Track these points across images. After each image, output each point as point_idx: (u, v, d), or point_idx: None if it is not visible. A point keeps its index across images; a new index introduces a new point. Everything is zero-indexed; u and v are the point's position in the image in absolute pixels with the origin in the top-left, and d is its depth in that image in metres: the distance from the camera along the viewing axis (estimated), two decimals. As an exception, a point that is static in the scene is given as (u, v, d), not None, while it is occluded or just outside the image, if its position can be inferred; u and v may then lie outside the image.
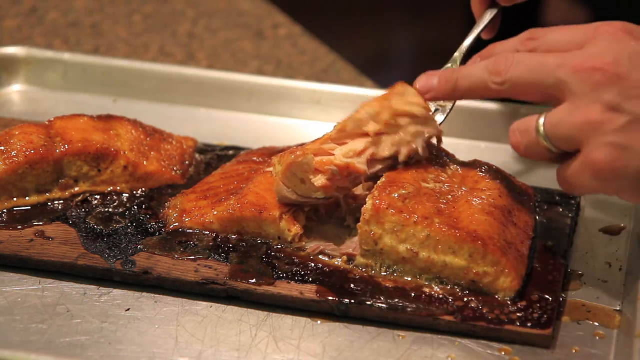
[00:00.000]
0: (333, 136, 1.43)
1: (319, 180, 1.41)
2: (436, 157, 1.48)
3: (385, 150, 1.43)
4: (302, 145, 1.51)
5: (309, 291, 1.37)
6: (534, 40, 1.34)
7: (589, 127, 1.26)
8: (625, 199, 1.31)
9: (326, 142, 1.43)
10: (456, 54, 1.55)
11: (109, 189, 1.57)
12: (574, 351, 1.31)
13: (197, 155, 1.66)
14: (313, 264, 1.41)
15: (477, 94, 1.37)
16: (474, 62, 1.42)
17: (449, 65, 1.55)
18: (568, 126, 1.27)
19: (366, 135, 1.43)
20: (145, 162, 1.57)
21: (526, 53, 1.33)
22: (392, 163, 1.44)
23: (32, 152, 1.51)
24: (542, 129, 1.30)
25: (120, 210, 1.53)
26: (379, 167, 1.44)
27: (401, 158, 1.43)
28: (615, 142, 1.25)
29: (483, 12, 1.59)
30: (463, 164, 1.50)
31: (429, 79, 1.42)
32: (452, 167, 1.48)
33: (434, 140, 1.47)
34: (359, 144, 1.43)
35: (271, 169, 1.49)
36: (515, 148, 1.33)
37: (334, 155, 1.42)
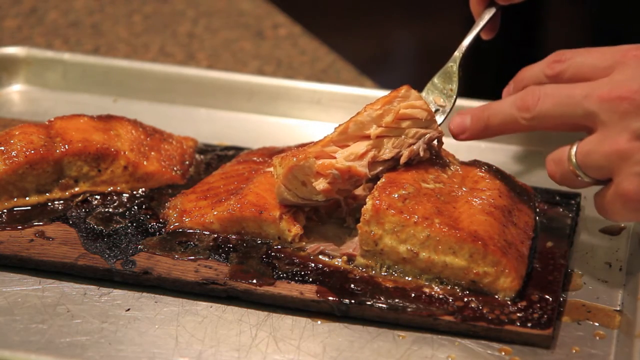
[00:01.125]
0: (334, 138, 1.43)
1: (320, 184, 1.41)
2: (436, 157, 1.48)
3: (387, 153, 1.43)
4: (302, 145, 1.51)
5: (309, 291, 1.37)
6: (561, 63, 1.34)
7: (618, 157, 1.27)
8: None
9: (327, 145, 1.43)
10: (456, 53, 1.56)
11: (109, 189, 1.57)
12: (574, 351, 1.31)
13: (197, 155, 1.66)
14: (313, 264, 1.41)
15: (509, 130, 1.40)
16: (507, 90, 1.43)
17: (449, 64, 1.55)
18: (598, 156, 1.28)
19: (367, 137, 1.43)
20: (145, 162, 1.57)
21: (553, 85, 1.33)
22: (393, 164, 1.44)
23: (32, 152, 1.51)
24: (574, 159, 1.31)
25: (120, 210, 1.53)
26: (379, 168, 1.44)
27: (402, 160, 1.43)
28: None
29: (482, 11, 1.59)
30: (463, 164, 1.50)
31: (462, 120, 1.44)
32: (452, 167, 1.48)
33: (435, 142, 1.47)
34: (360, 146, 1.43)
35: (271, 169, 1.49)
36: (552, 177, 1.35)
37: (335, 158, 1.42)
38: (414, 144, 1.44)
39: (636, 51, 1.31)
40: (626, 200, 1.28)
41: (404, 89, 1.44)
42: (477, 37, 1.59)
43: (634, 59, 1.30)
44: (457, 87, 1.56)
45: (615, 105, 1.27)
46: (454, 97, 1.55)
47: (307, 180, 1.41)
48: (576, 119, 1.30)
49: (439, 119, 1.51)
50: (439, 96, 1.54)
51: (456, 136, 1.46)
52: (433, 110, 1.49)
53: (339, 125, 1.45)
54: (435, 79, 1.56)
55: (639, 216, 1.30)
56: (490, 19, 1.59)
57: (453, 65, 1.55)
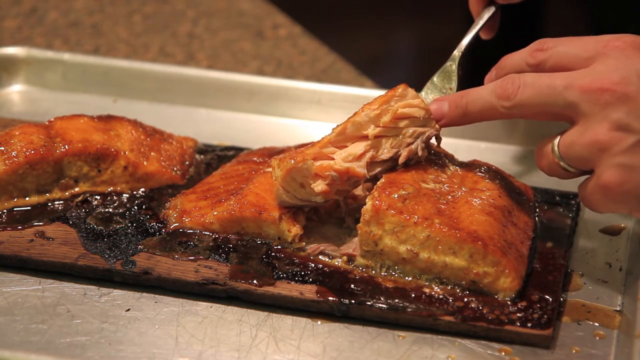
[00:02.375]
0: (332, 139, 1.43)
1: (319, 186, 1.41)
2: (435, 157, 1.48)
3: (385, 153, 1.43)
4: (301, 146, 1.51)
5: (309, 291, 1.37)
6: (543, 52, 1.34)
7: (598, 148, 1.27)
8: (639, 217, 1.32)
9: (325, 146, 1.43)
10: (455, 52, 1.56)
11: (109, 189, 1.57)
12: (574, 351, 1.31)
13: (197, 155, 1.66)
14: (313, 264, 1.41)
15: (487, 117, 1.38)
16: (489, 77, 1.42)
17: (448, 63, 1.55)
18: (579, 147, 1.28)
19: (365, 137, 1.43)
20: (145, 162, 1.57)
21: (533, 74, 1.33)
22: (391, 164, 1.44)
23: (32, 152, 1.51)
24: (557, 150, 1.31)
25: (120, 210, 1.53)
26: (378, 169, 1.44)
27: (401, 160, 1.43)
28: (624, 162, 1.26)
29: (481, 11, 1.59)
30: (462, 164, 1.50)
31: (440, 106, 1.42)
32: (451, 168, 1.48)
33: (433, 140, 1.47)
34: (358, 147, 1.43)
35: (270, 169, 1.49)
36: (540, 168, 1.36)
37: (333, 159, 1.42)
38: (412, 143, 1.44)
39: (617, 42, 1.31)
40: (606, 191, 1.28)
41: (400, 88, 1.44)
42: (477, 37, 1.59)
43: (615, 49, 1.30)
44: (457, 86, 1.56)
45: (596, 97, 1.26)
46: None
47: (305, 182, 1.41)
48: (557, 108, 1.30)
49: None
50: (439, 95, 1.54)
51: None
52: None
53: (337, 125, 1.44)
54: (435, 78, 1.56)
55: (620, 207, 1.30)
56: (489, 18, 1.59)
57: (452, 64, 1.55)
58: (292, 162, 1.40)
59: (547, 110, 1.31)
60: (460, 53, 1.56)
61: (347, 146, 1.43)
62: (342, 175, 1.41)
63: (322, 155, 1.42)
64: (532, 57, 1.35)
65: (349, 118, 1.44)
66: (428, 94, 1.55)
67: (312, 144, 1.45)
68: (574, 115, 1.29)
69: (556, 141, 1.32)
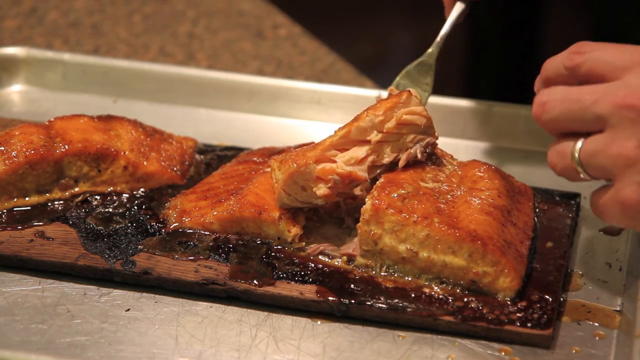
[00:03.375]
0: (335, 142, 1.43)
1: (321, 189, 1.41)
2: (435, 157, 1.48)
3: (385, 157, 1.44)
4: (301, 146, 1.51)
5: (309, 291, 1.37)
6: (580, 55, 1.31)
7: (623, 162, 1.25)
8: None
9: (328, 149, 1.43)
10: (432, 49, 1.58)
11: (109, 189, 1.57)
12: (574, 351, 1.31)
13: (197, 156, 1.66)
14: (313, 264, 1.41)
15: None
16: (536, 82, 1.39)
17: (425, 58, 1.58)
18: (603, 157, 1.26)
19: (367, 142, 1.43)
20: (145, 162, 1.57)
21: (563, 89, 1.30)
22: (391, 167, 1.45)
23: (32, 152, 1.51)
24: (577, 155, 1.29)
25: (120, 210, 1.53)
26: (377, 171, 1.44)
27: (400, 163, 1.44)
28: None
29: (453, 3, 1.60)
30: (462, 164, 1.51)
31: None
32: (450, 167, 1.49)
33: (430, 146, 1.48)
34: (360, 151, 1.43)
35: (269, 169, 1.49)
36: (552, 168, 1.33)
37: (335, 162, 1.42)
38: (411, 148, 1.44)
39: None
40: (625, 207, 1.26)
41: (405, 95, 1.44)
42: (453, 27, 1.61)
43: None
44: (432, 81, 1.57)
45: (627, 112, 1.24)
46: (429, 91, 1.57)
47: (307, 185, 1.41)
48: (585, 122, 1.28)
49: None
50: (415, 88, 1.55)
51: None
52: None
53: (340, 128, 1.45)
54: (411, 70, 1.57)
55: (634, 224, 1.29)
56: (462, 11, 1.60)
57: (430, 59, 1.57)
58: (295, 165, 1.40)
59: (577, 126, 1.29)
60: (438, 49, 1.57)
61: (348, 149, 1.44)
62: (344, 179, 1.42)
63: (324, 157, 1.42)
64: (569, 60, 1.32)
65: (352, 121, 1.44)
66: (400, 83, 1.56)
67: (313, 145, 1.45)
68: (602, 126, 1.26)
69: (577, 146, 1.29)
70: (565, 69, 1.32)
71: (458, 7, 1.61)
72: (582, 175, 1.30)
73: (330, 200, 1.43)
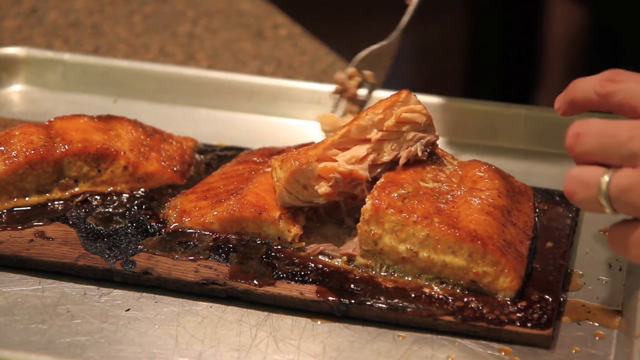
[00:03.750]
0: (336, 141, 1.43)
1: (322, 188, 1.41)
2: (435, 156, 1.48)
3: (386, 155, 1.44)
4: (301, 146, 1.51)
5: (309, 291, 1.37)
6: (614, 84, 1.27)
7: None
8: None
9: (329, 148, 1.43)
10: (394, 34, 1.61)
11: (109, 189, 1.57)
12: (574, 351, 1.31)
13: (197, 156, 1.66)
14: (313, 264, 1.42)
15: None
16: (559, 99, 1.35)
17: (387, 43, 1.59)
18: (636, 195, 1.21)
19: (368, 141, 1.43)
20: (145, 162, 1.57)
21: (599, 121, 1.26)
22: (391, 166, 1.45)
23: (32, 152, 1.51)
24: (604, 188, 1.23)
25: (120, 210, 1.53)
26: (378, 170, 1.44)
27: (401, 161, 1.44)
28: None
29: None
30: (462, 164, 1.51)
31: None
32: (450, 167, 1.49)
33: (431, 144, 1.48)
34: (360, 149, 1.43)
35: (269, 169, 1.50)
36: (568, 196, 1.27)
37: (336, 161, 1.42)
38: (411, 146, 1.44)
39: None
40: None
41: (404, 94, 1.44)
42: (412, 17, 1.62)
43: None
44: (390, 65, 1.59)
45: None
46: (384, 74, 1.59)
47: (308, 184, 1.41)
48: (618, 158, 1.23)
49: (363, 93, 1.53)
50: (372, 70, 1.56)
51: None
52: (362, 86, 1.51)
53: (340, 127, 1.45)
54: (373, 52, 1.58)
55: None
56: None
57: (391, 44, 1.58)
58: (296, 163, 1.40)
59: (609, 159, 1.24)
60: (399, 34, 1.61)
61: (349, 148, 1.44)
62: (345, 178, 1.42)
63: (325, 156, 1.42)
64: (601, 87, 1.28)
65: (352, 121, 1.44)
66: (359, 64, 1.57)
67: (314, 145, 1.45)
68: (635, 163, 1.22)
69: (605, 178, 1.23)
70: (597, 95, 1.28)
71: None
72: (605, 209, 1.25)
73: (332, 199, 1.43)
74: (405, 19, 1.61)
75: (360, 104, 1.61)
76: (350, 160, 1.43)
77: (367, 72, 1.55)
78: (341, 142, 1.44)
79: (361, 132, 1.44)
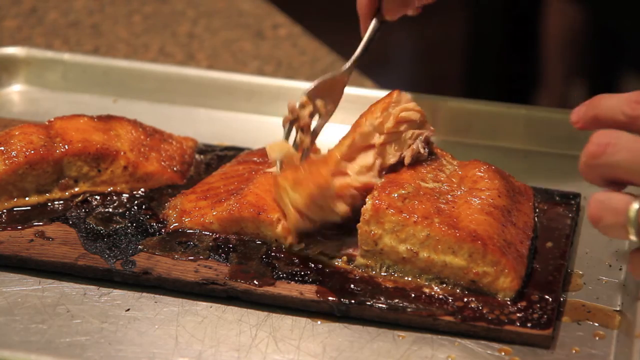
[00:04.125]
0: (344, 153, 1.43)
1: (341, 207, 1.41)
2: (435, 157, 1.48)
3: (391, 158, 1.45)
4: (305, 156, 1.49)
5: (309, 291, 1.37)
6: None
7: None
8: None
9: (339, 163, 1.42)
10: (347, 65, 1.56)
11: (109, 189, 1.57)
12: (574, 351, 1.31)
13: (197, 156, 1.66)
14: (313, 264, 1.41)
15: (584, 175, 1.27)
16: (577, 111, 1.30)
17: (337, 73, 1.55)
18: None
19: (371, 147, 1.44)
20: (145, 163, 1.57)
21: (629, 136, 1.22)
22: (394, 166, 1.46)
23: (32, 152, 1.51)
24: (633, 215, 1.20)
25: (120, 210, 1.53)
26: (384, 173, 1.45)
27: (406, 161, 1.45)
28: None
29: (369, 24, 1.59)
30: (462, 164, 1.51)
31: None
32: (450, 167, 1.49)
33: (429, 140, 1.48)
34: (367, 157, 1.44)
35: (271, 170, 1.49)
36: (593, 221, 1.23)
37: (348, 174, 1.42)
38: (412, 144, 1.45)
39: None
40: None
41: (395, 94, 1.45)
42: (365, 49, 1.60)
43: None
44: (340, 98, 1.56)
45: None
46: (335, 106, 1.55)
47: (326, 204, 1.41)
48: None
49: (315, 123, 1.51)
50: (323, 102, 1.53)
51: None
52: (313, 116, 1.50)
53: (343, 138, 1.44)
54: (325, 81, 1.55)
55: None
56: (377, 31, 1.59)
57: (344, 75, 1.55)
58: (315, 186, 1.38)
59: (636, 178, 1.21)
60: (352, 64, 1.57)
61: (355, 158, 1.44)
62: (361, 191, 1.42)
63: (337, 172, 1.42)
64: (629, 108, 1.24)
65: (353, 130, 1.44)
66: (310, 94, 1.53)
67: (323, 159, 1.42)
68: None
69: (635, 206, 1.20)
70: (624, 116, 1.25)
71: (374, 24, 1.60)
72: (632, 237, 1.21)
73: (348, 215, 1.42)
74: (358, 51, 1.59)
75: (313, 134, 1.57)
76: (361, 171, 1.43)
77: (319, 102, 1.52)
78: (348, 153, 1.44)
79: (364, 139, 1.44)
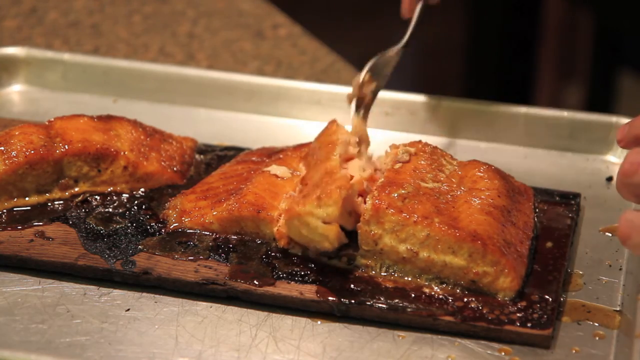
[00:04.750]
0: (340, 163, 1.45)
1: (362, 207, 1.41)
2: (435, 157, 1.48)
3: (372, 166, 1.51)
4: (301, 147, 1.52)
5: (309, 291, 1.37)
6: None
7: None
8: None
9: (342, 165, 1.45)
10: (398, 47, 1.64)
11: (109, 189, 1.57)
12: (574, 351, 1.31)
13: (197, 156, 1.66)
14: (313, 264, 1.41)
15: (623, 195, 1.29)
16: (622, 130, 1.32)
17: (388, 52, 1.60)
18: None
19: (352, 157, 1.49)
20: (145, 163, 1.57)
21: None
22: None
23: (32, 152, 1.51)
24: None
25: (120, 210, 1.53)
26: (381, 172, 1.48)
27: (390, 166, 1.46)
28: None
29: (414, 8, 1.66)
30: (462, 164, 1.51)
31: None
32: (450, 167, 1.49)
33: (356, 139, 1.54)
34: (355, 163, 1.48)
35: (269, 169, 1.50)
36: (622, 239, 1.23)
37: (352, 175, 1.45)
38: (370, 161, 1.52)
39: None
40: None
41: (334, 125, 1.53)
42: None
43: None
44: (391, 73, 1.61)
45: None
46: (386, 81, 1.63)
47: (352, 207, 1.41)
48: None
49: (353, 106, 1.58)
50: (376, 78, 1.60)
51: None
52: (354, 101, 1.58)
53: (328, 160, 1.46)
54: (378, 61, 1.60)
55: None
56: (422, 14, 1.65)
57: (394, 53, 1.60)
58: (344, 191, 1.36)
59: None
60: (402, 47, 1.65)
61: (352, 159, 1.49)
62: (371, 182, 1.46)
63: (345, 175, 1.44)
64: None
65: (326, 165, 1.44)
66: (367, 73, 1.60)
67: (328, 171, 1.42)
68: None
69: None
70: None
71: (420, 7, 1.66)
72: None
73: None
74: (408, 33, 1.63)
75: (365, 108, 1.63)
76: (360, 169, 1.46)
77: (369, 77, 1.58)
78: (343, 160, 1.47)
79: (343, 161, 1.47)
